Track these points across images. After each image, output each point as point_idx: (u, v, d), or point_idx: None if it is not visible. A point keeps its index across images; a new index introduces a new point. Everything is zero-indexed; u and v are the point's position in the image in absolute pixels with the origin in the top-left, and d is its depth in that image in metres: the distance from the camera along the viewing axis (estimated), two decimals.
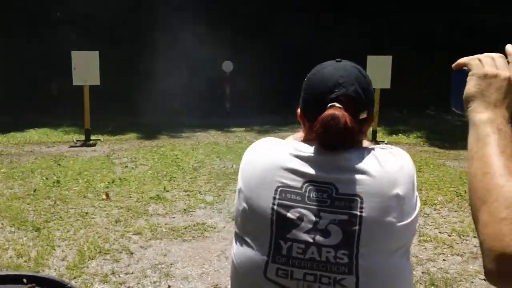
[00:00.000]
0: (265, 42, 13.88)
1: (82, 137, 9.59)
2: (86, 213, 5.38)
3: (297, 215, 1.13)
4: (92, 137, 9.59)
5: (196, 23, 13.09)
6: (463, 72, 0.95)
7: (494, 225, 0.75)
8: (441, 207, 5.69)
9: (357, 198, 1.11)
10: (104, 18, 13.03)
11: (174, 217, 5.34)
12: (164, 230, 4.96)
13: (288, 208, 1.13)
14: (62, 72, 10.97)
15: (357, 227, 1.10)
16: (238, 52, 13.23)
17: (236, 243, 1.24)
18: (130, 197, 5.99)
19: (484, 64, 0.91)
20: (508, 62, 0.92)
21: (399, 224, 1.11)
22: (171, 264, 4.20)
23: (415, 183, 1.18)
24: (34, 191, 6.13)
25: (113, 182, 6.56)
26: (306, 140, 1.24)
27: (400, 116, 12.33)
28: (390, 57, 9.39)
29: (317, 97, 1.20)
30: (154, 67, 13.24)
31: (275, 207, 1.14)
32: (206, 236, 4.81)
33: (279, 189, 1.15)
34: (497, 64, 0.91)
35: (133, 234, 4.82)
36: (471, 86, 0.91)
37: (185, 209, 5.57)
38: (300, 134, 1.33)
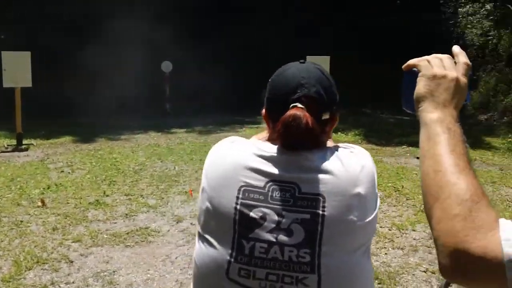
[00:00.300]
0: (207, 42, 13.79)
1: (14, 142, 9.13)
2: (21, 221, 5.10)
3: (260, 214, 1.13)
4: (24, 142, 9.15)
5: (137, 21, 12.80)
6: (413, 73, 0.97)
7: (447, 222, 0.77)
8: (381, 202, 5.85)
9: (320, 197, 1.12)
10: (35, 17, 12.50)
11: (115, 223, 5.17)
12: (105, 236, 4.79)
13: (251, 207, 1.13)
14: None
15: (319, 226, 1.11)
16: (179, 51, 13.05)
17: (198, 243, 1.23)
18: (68, 203, 5.75)
19: (432, 65, 0.94)
20: (455, 63, 0.95)
21: (360, 222, 1.12)
22: (114, 271, 4.06)
23: (376, 182, 1.20)
24: None
25: (48, 188, 6.28)
26: (270, 140, 1.25)
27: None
28: (328, 57, 9.56)
29: (280, 97, 1.20)
30: (90, 67, 12.81)
31: (238, 206, 1.14)
32: (150, 241, 4.69)
33: (242, 189, 1.15)
34: (445, 65, 0.93)
35: (72, 242, 4.62)
36: (421, 86, 0.93)
37: (126, 214, 5.41)
38: (264, 134, 1.34)
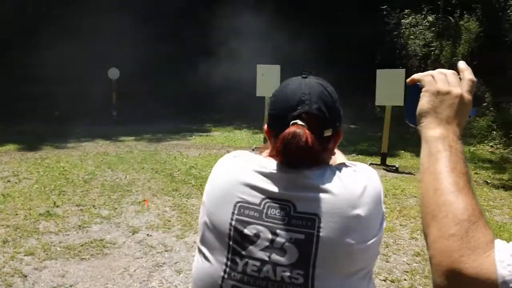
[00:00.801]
0: (157, 49, 13.67)
1: None
2: None
3: (254, 231, 1.11)
4: None
5: (85, 26, 12.53)
6: (417, 88, 0.96)
7: (443, 241, 0.77)
8: None
9: (315, 217, 1.09)
10: None
11: (68, 235, 5.06)
12: (59, 249, 4.68)
13: (246, 224, 1.12)
14: None
15: (313, 247, 1.07)
16: (126, 58, 12.87)
17: (196, 255, 1.23)
18: (17, 214, 5.57)
19: (437, 81, 0.93)
20: (460, 79, 0.94)
21: (359, 246, 1.08)
22: (70, 285, 3.98)
23: (382, 203, 1.15)
24: None
25: None
26: (271, 156, 1.22)
27: None
28: (278, 66, 9.67)
29: (281, 113, 1.18)
30: (34, 72, 12.41)
31: (233, 222, 1.13)
32: (106, 253, 4.63)
33: (238, 205, 1.14)
34: (449, 81, 0.93)
35: (25, 255, 4.49)
36: (424, 102, 0.92)
37: (79, 225, 5.31)
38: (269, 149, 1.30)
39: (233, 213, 1.13)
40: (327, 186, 1.12)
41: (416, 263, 4.51)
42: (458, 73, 0.95)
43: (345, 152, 8.89)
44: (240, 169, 1.20)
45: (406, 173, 8.21)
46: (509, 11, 12.18)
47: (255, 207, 1.13)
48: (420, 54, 13.52)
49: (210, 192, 1.21)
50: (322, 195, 1.11)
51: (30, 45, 12.89)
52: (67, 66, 12.77)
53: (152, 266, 4.35)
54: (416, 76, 0.98)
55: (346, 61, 13.36)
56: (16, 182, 6.92)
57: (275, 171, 1.15)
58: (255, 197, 1.14)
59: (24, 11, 13.00)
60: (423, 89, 0.94)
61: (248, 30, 12.41)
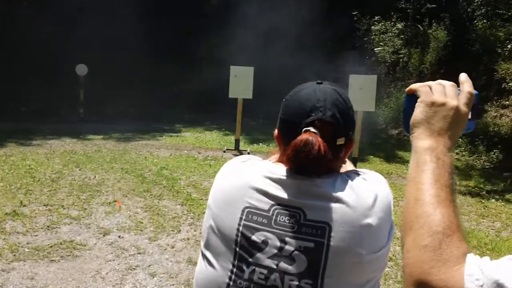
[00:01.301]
0: (126, 47, 13.46)
1: None
2: None
3: (262, 238, 1.08)
4: None
5: (53, 20, 12.22)
6: (414, 98, 0.95)
7: (415, 251, 0.77)
8: None
9: (326, 226, 1.07)
10: None
11: (36, 235, 4.91)
12: (27, 250, 4.54)
13: (253, 230, 1.09)
14: None
15: (323, 256, 1.06)
16: (95, 54, 12.63)
17: (200, 260, 1.19)
18: None
19: (433, 92, 0.93)
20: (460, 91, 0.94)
21: (368, 256, 1.06)
22: None
23: (391, 212, 1.14)
24: None
25: None
26: (280, 162, 1.20)
27: (255, 125, 12.76)
28: (252, 68, 9.65)
29: (293, 119, 1.15)
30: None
31: (241, 228, 1.10)
32: (76, 255, 4.51)
33: (246, 210, 1.11)
34: (446, 93, 0.92)
35: None
36: (418, 112, 0.92)
37: (48, 226, 5.16)
38: (277, 154, 1.28)
39: (240, 218, 1.11)
40: (338, 194, 1.10)
41: (389, 267, 4.56)
42: (459, 85, 0.95)
43: None
44: (248, 173, 1.17)
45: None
46: (475, 21, 12.53)
47: (264, 213, 1.10)
48: (389, 61, 13.75)
49: (216, 196, 1.19)
50: (333, 203, 1.09)
51: None
52: (34, 60, 12.43)
53: (124, 269, 4.27)
54: (414, 86, 0.97)
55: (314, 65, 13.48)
56: None
57: (285, 177, 1.13)
58: (264, 203, 1.11)
59: None
60: (419, 100, 0.94)
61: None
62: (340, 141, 1.16)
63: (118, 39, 13.56)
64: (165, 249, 4.72)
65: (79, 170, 7.66)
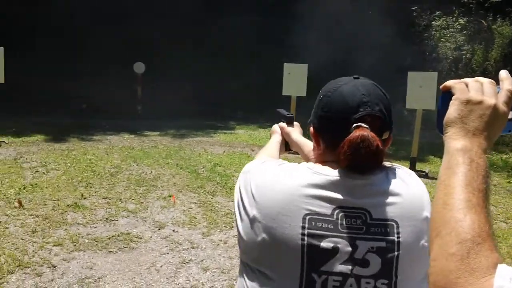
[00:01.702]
0: (183, 45, 13.71)
1: None
2: None
3: (332, 245, 1.05)
4: None
5: (112, 22, 12.64)
6: (449, 95, 0.90)
7: (442, 260, 0.73)
8: None
9: (393, 223, 1.06)
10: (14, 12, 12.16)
11: (95, 227, 5.09)
12: (87, 241, 4.71)
13: (321, 238, 1.05)
14: None
15: (395, 254, 1.05)
16: (152, 52, 12.94)
17: (246, 277, 1.14)
18: (45, 204, 5.62)
19: (470, 89, 0.87)
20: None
21: (427, 248, 1.05)
22: (99, 278, 4.00)
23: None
24: None
25: (24, 188, 6.12)
26: (323, 162, 1.17)
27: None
28: (306, 65, 9.57)
29: (339, 116, 1.13)
30: (60, 65, 12.58)
31: (306, 237, 1.05)
32: (133, 247, 4.64)
33: (307, 217, 1.06)
34: (484, 90, 0.86)
35: (54, 246, 4.53)
36: (452, 111, 0.86)
37: (106, 218, 5.33)
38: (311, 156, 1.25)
39: (303, 227, 1.06)
40: (396, 189, 1.10)
41: None
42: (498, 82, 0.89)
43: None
44: (296, 178, 1.12)
45: (437, 179, 8.07)
46: None
47: (328, 218, 1.07)
48: (451, 57, 13.28)
49: (264, 205, 1.11)
50: (394, 199, 1.09)
51: (56, 38, 13.05)
52: (94, 59, 12.89)
53: (178, 263, 4.35)
54: (449, 82, 0.91)
55: (371, 62, 13.23)
56: (44, 173, 6.99)
57: (339, 178, 1.10)
58: (325, 208, 1.07)
59: (56, 6, 13.14)
60: (453, 97, 0.88)
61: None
62: (385, 135, 1.15)
63: (176, 36, 13.83)
64: (218, 244, 4.78)
65: (136, 165, 7.88)
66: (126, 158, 8.32)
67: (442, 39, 13.63)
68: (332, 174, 1.11)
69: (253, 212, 1.12)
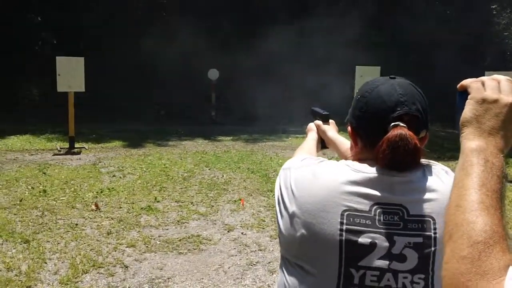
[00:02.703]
0: (255, 51, 13.84)
1: (66, 145, 9.38)
2: (76, 224, 5.21)
3: (369, 240, 1.06)
4: (76, 145, 9.39)
5: (193, 27, 13.00)
6: (466, 94, 0.88)
7: (453, 263, 0.72)
8: None
9: (429, 219, 1.08)
10: (91, 24, 12.86)
11: (167, 229, 5.20)
12: (158, 242, 4.82)
13: (358, 233, 1.07)
14: (43, 77, 10.82)
15: (432, 249, 1.06)
16: (226, 59, 13.17)
17: (286, 271, 1.17)
18: (121, 207, 5.83)
19: (486, 88, 0.85)
20: None
21: None
22: (168, 278, 4.07)
23: None
24: (20, 200, 5.94)
25: (101, 192, 6.40)
26: (360, 160, 1.18)
27: None
28: (378, 67, 9.38)
29: (377, 115, 1.15)
30: (137, 72, 13.09)
31: (344, 233, 1.07)
32: (202, 249, 4.69)
33: (345, 214, 1.08)
34: (502, 88, 0.84)
35: (127, 247, 4.67)
36: (467, 110, 0.84)
37: (178, 221, 5.44)
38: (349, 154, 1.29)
39: (341, 222, 1.08)
40: (432, 186, 1.11)
41: None
42: None
43: (444, 158, 8.28)
44: (335, 174, 1.14)
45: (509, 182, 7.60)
46: None
47: (366, 214, 1.08)
48: None
49: (303, 201, 1.13)
50: (430, 195, 1.10)
51: (132, 46, 13.61)
52: (169, 66, 13.31)
53: (246, 264, 4.34)
54: (465, 82, 0.89)
55: (449, 62, 12.66)
56: (120, 177, 7.27)
57: (377, 175, 1.12)
58: (363, 204, 1.09)
59: (134, 14, 13.75)
60: (469, 96, 0.86)
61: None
62: (422, 133, 1.16)
63: (248, 43, 14.00)
64: None
65: (209, 169, 8.01)
66: (199, 163, 8.49)
67: None
68: (370, 171, 1.13)
69: (292, 208, 1.15)
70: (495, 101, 0.82)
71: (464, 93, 0.89)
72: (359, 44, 13.02)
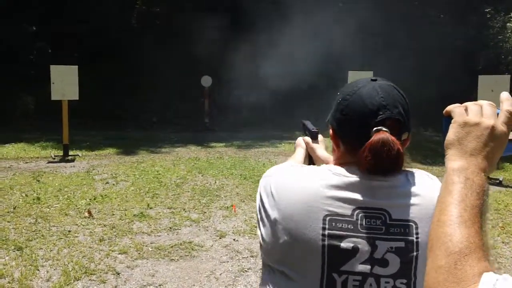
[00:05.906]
0: (246, 58, 13.91)
1: (60, 153, 9.40)
2: (69, 231, 5.24)
3: (351, 245, 1.06)
4: (70, 152, 9.41)
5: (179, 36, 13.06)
6: (451, 119, 0.93)
7: (432, 273, 0.75)
8: None
9: (412, 224, 1.08)
10: (84, 32, 12.90)
11: (159, 236, 5.24)
12: (150, 249, 4.86)
13: (341, 238, 1.06)
14: (37, 86, 10.86)
15: (414, 254, 1.06)
16: (219, 66, 13.23)
17: (268, 277, 1.16)
18: (113, 214, 5.87)
19: (468, 112, 0.89)
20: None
21: None
22: (159, 285, 4.11)
23: None
24: (14, 208, 5.97)
25: (94, 199, 6.43)
26: (342, 164, 1.17)
27: None
28: (371, 72, 9.48)
29: (359, 119, 1.13)
30: (132, 80, 13.13)
31: (326, 238, 1.07)
32: (194, 256, 4.73)
33: (327, 218, 1.07)
34: (483, 112, 0.88)
35: (119, 254, 4.71)
36: (450, 133, 0.89)
37: (170, 227, 5.48)
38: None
39: (323, 228, 1.07)
40: (415, 191, 1.11)
41: None
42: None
43: (438, 163, 8.35)
44: (315, 179, 1.13)
45: (511, 187, 7.69)
46: None
47: (348, 218, 1.08)
48: None
49: (284, 207, 1.12)
50: (413, 200, 1.10)
51: (127, 54, 13.66)
52: (162, 74, 13.37)
53: (237, 271, 4.38)
54: (449, 107, 0.93)
55: (443, 66, 12.77)
56: (113, 184, 7.31)
57: (359, 179, 1.11)
58: (345, 208, 1.09)
59: (127, 24, 13.80)
60: (452, 120, 0.91)
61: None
62: (404, 136, 1.15)
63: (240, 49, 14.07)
64: None
65: (201, 176, 8.05)
66: (192, 169, 8.53)
67: None
68: (352, 175, 1.12)
69: (274, 214, 1.13)
70: (477, 124, 0.86)
71: (450, 118, 0.93)
72: (352, 49, 13.11)
